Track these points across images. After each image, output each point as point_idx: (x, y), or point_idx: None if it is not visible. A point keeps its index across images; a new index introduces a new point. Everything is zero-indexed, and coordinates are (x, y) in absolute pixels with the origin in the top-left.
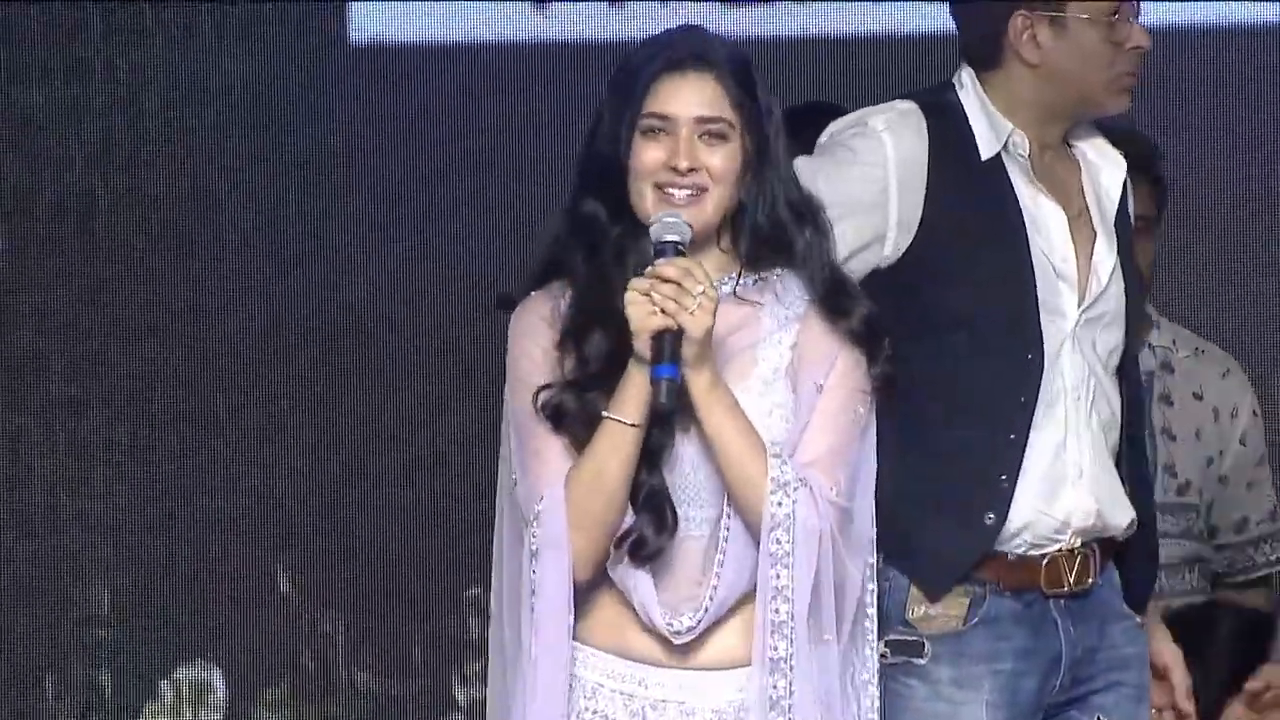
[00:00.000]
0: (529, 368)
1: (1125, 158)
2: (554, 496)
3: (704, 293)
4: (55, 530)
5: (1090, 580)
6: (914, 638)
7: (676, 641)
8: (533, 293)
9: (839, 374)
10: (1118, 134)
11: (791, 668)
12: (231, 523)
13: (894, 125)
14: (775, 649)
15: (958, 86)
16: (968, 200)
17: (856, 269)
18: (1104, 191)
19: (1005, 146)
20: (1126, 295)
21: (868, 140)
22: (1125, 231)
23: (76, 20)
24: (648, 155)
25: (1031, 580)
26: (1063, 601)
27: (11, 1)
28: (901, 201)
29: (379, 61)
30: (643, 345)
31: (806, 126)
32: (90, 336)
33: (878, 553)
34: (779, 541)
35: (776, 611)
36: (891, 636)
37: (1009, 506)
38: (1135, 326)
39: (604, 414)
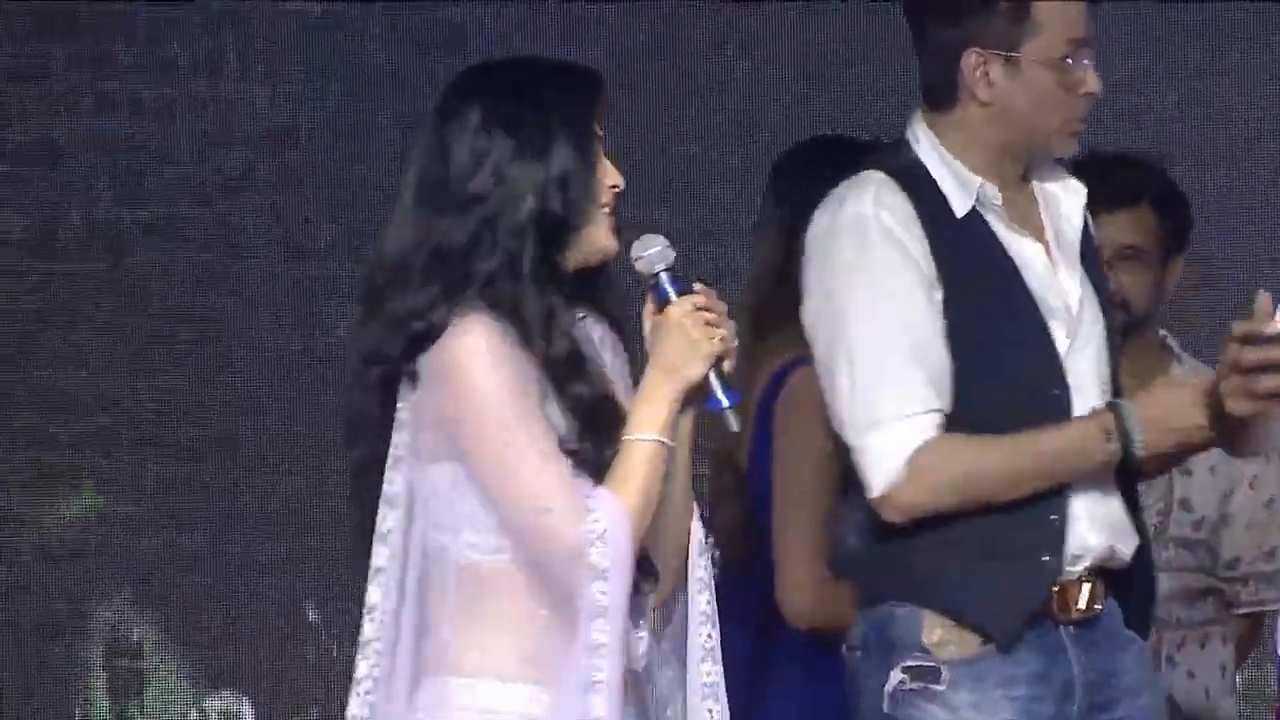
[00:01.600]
0: (528, 400)
1: (1127, 184)
2: (616, 515)
3: None
4: (83, 562)
5: (1098, 607)
6: (930, 664)
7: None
8: (475, 314)
9: None
10: (1128, 159)
11: None
12: (260, 554)
13: (881, 198)
14: (712, 712)
15: (914, 144)
16: (959, 258)
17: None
18: (1064, 221)
19: (977, 199)
20: (1107, 324)
21: (867, 231)
22: (1091, 259)
23: (103, 54)
24: (609, 177)
25: (1042, 609)
26: (1072, 628)
27: (38, 37)
28: (922, 259)
29: (406, 92)
30: (697, 372)
31: (812, 164)
32: (117, 370)
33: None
34: (709, 602)
35: (709, 674)
36: (908, 663)
37: (1063, 543)
38: (1115, 351)
39: (650, 438)
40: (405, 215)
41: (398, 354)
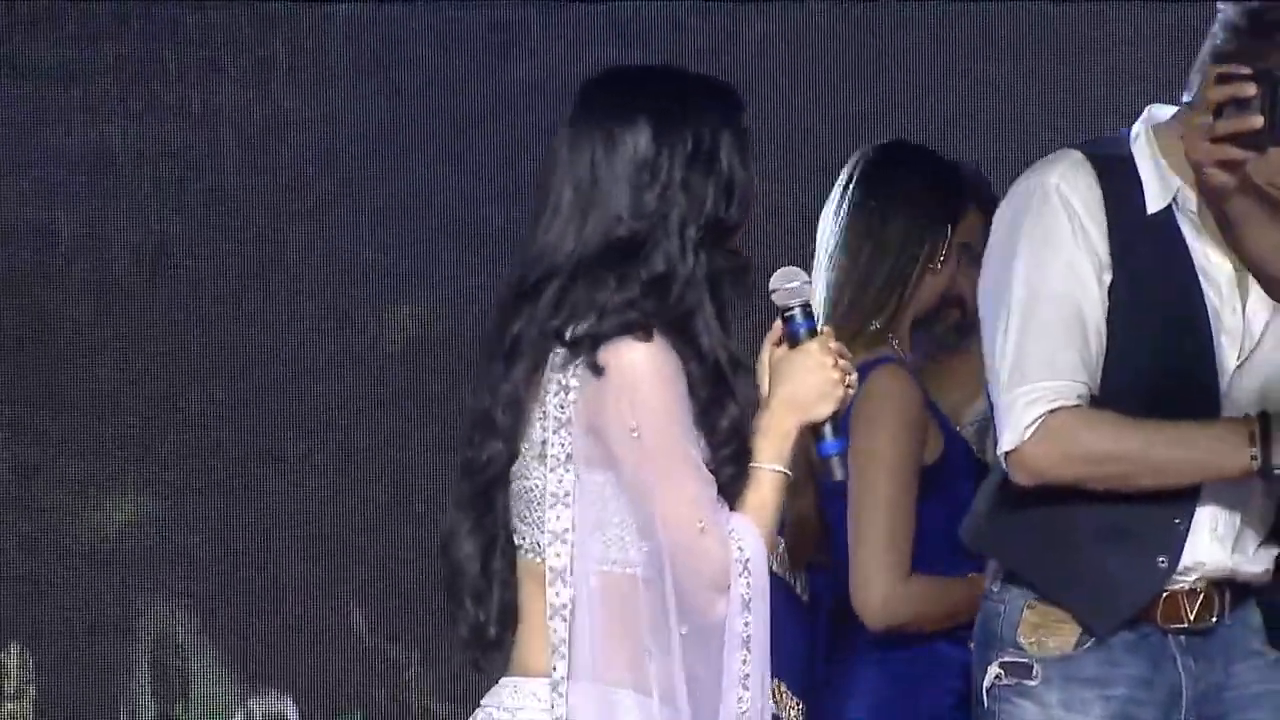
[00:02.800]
0: (689, 420)
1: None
2: (756, 545)
3: None
4: (130, 563)
5: (1213, 619)
6: (1024, 660)
7: None
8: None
9: None
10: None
11: None
12: (305, 556)
13: (1068, 176)
14: None
15: (1131, 138)
16: (1141, 252)
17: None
18: None
19: (1174, 200)
20: None
21: (1049, 201)
22: None
23: (151, 60)
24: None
25: (1146, 614)
26: (1182, 637)
27: (88, 40)
28: (1098, 241)
29: (454, 94)
30: (825, 412)
31: (897, 167)
32: (164, 375)
33: (997, 572)
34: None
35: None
36: (1005, 659)
37: (1182, 549)
38: None
39: (781, 469)
40: (572, 213)
41: (574, 342)
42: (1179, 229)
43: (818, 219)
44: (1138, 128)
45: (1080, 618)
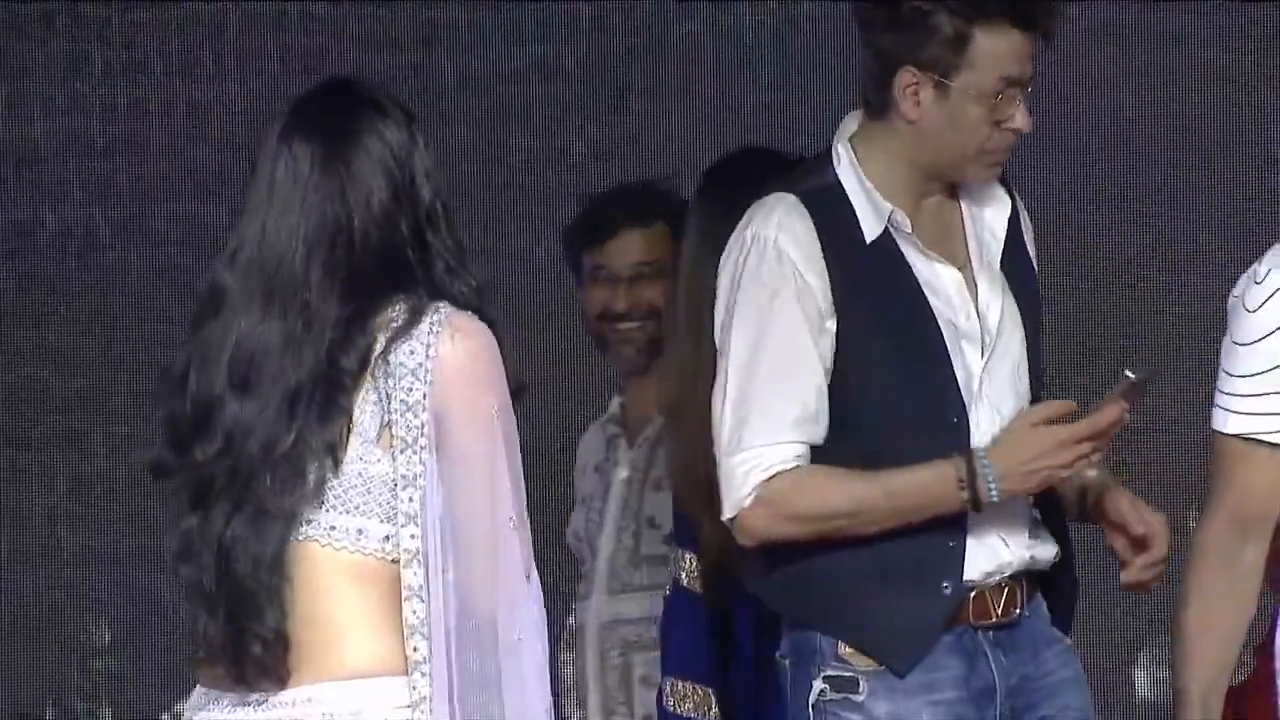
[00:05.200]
0: None
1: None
2: None
3: None
4: (56, 564)
5: (1018, 612)
6: (849, 674)
7: None
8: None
9: None
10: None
11: None
12: None
13: (785, 225)
14: None
15: (835, 162)
16: (866, 283)
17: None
18: (988, 232)
19: (889, 223)
20: (1029, 333)
21: (767, 257)
22: (1023, 267)
23: (77, 55)
24: None
25: (958, 615)
26: (991, 633)
27: (15, 38)
28: (820, 291)
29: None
30: None
31: (742, 179)
32: (90, 370)
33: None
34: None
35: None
36: (829, 672)
37: (961, 569)
38: (1038, 357)
39: None
40: (311, 244)
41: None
42: (900, 251)
43: None
44: (839, 150)
45: (878, 659)
